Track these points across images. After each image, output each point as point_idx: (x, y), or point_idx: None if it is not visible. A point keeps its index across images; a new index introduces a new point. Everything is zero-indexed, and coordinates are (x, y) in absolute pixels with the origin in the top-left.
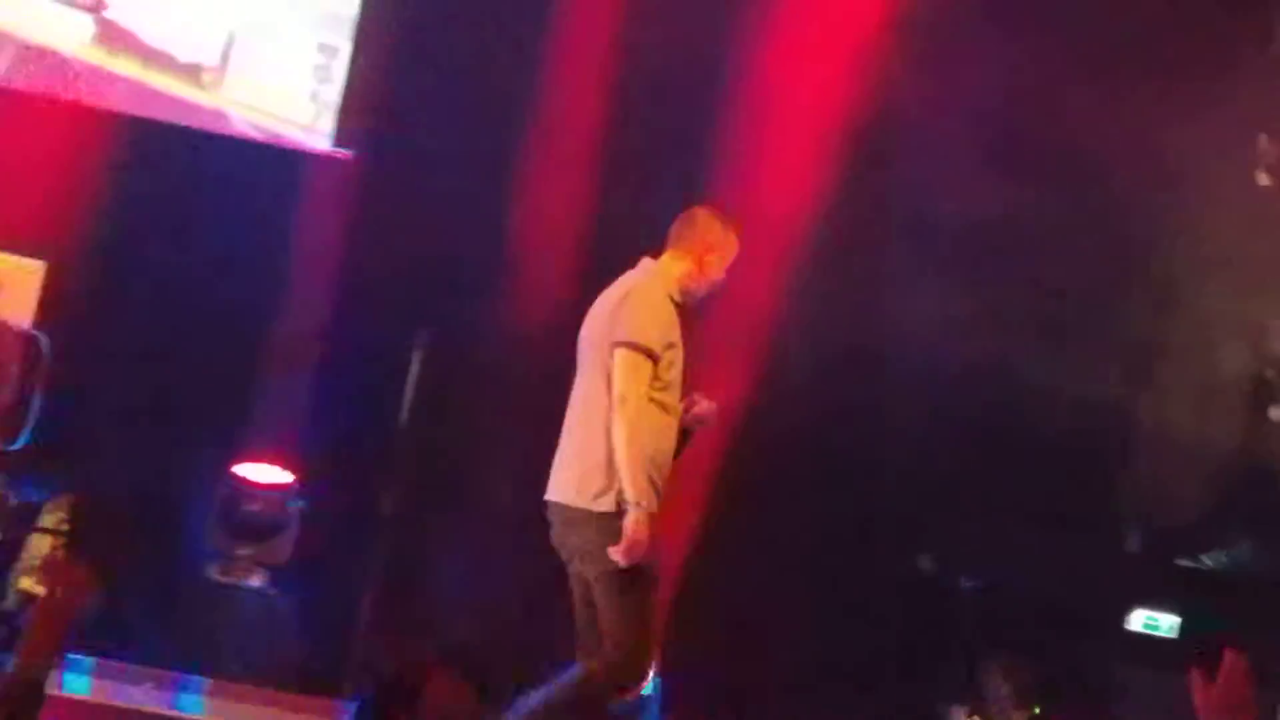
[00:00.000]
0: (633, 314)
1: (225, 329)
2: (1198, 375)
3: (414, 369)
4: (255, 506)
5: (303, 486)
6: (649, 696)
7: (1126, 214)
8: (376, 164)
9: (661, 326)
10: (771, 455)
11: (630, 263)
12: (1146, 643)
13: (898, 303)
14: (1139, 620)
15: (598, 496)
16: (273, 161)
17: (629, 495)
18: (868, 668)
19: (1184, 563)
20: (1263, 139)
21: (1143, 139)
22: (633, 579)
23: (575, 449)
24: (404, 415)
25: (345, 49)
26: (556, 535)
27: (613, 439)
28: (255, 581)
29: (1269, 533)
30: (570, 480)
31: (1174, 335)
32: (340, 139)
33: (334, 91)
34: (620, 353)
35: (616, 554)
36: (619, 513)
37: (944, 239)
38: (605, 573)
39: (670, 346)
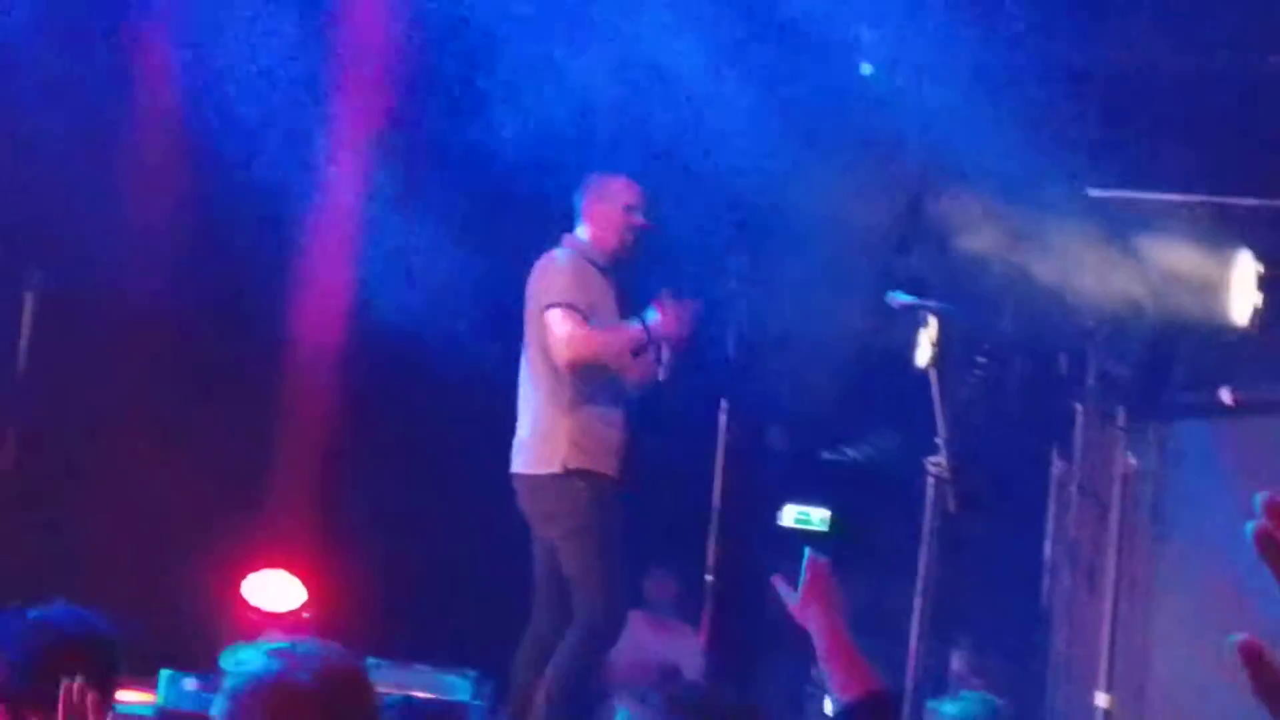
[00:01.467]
0: (550, 279)
1: None
2: (821, 270)
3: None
4: None
5: None
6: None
7: None
8: None
9: (580, 286)
10: None
11: None
12: (800, 537)
13: None
14: (791, 516)
15: (547, 459)
16: None
17: (637, 334)
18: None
19: (829, 456)
20: None
21: None
22: (596, 538)
23: (524, 421)
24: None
25: None
26: (521, 504)
27: (575, 370)
28: None
29: (906, 419)
30: (521, 450)
31: (794, 231)
32: None
33: None
34: (549, 314)
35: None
36: (566, 473)
37: None
38: (568, 532)
39: (594, 306)
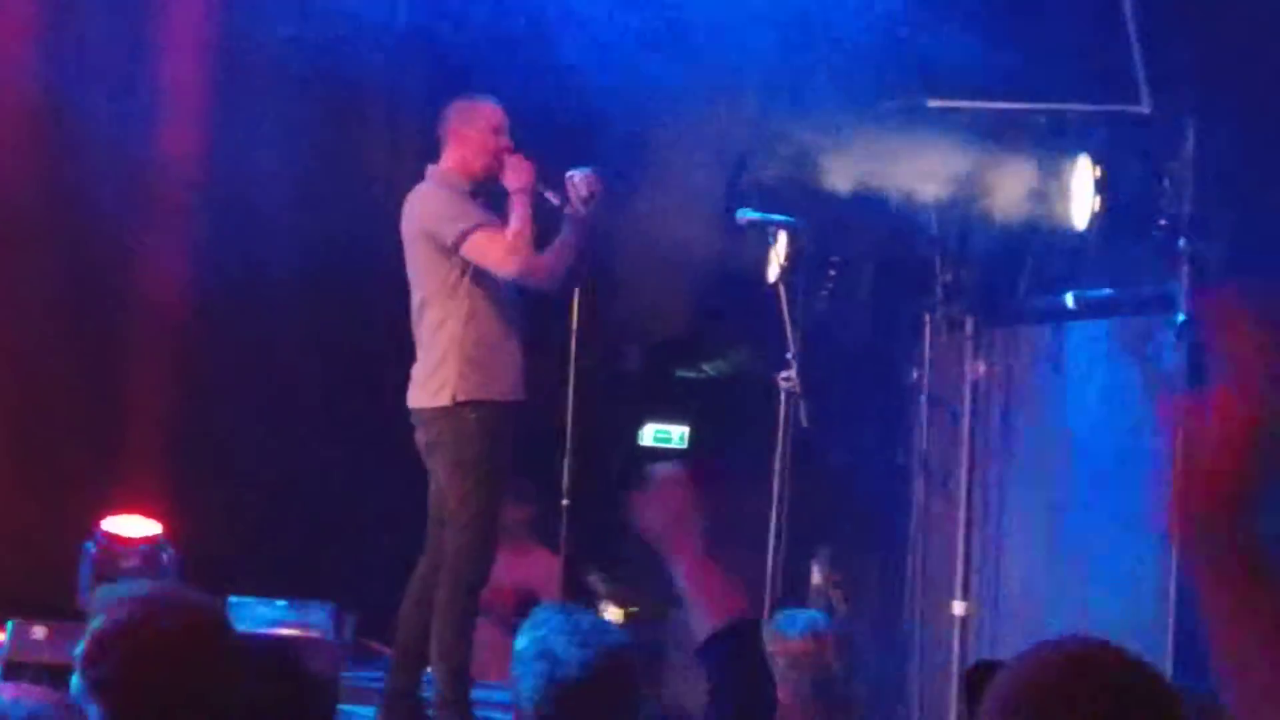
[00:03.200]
0: (438, 208)
1: None
2: (669, 186)
3: None
4: None
5: None
6: None
7: None
8: None
9: (470, 204)
10: None
11: None
12: (661, 455)
13: None
14: (650, 434)
15: (437, 392)
16: None
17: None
18: None
19: (685, 374)
20: None
21: None
22: (481, 471)
23: (419, 357)
24: None
25: None
26: (418, 438)
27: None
28: None
29: (757, 333)
30: (415, 384)
31: (644, 152)
32: None
33: None
34: (469, 242)
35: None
36: (456, 405)
37: None
38: (452, 463)
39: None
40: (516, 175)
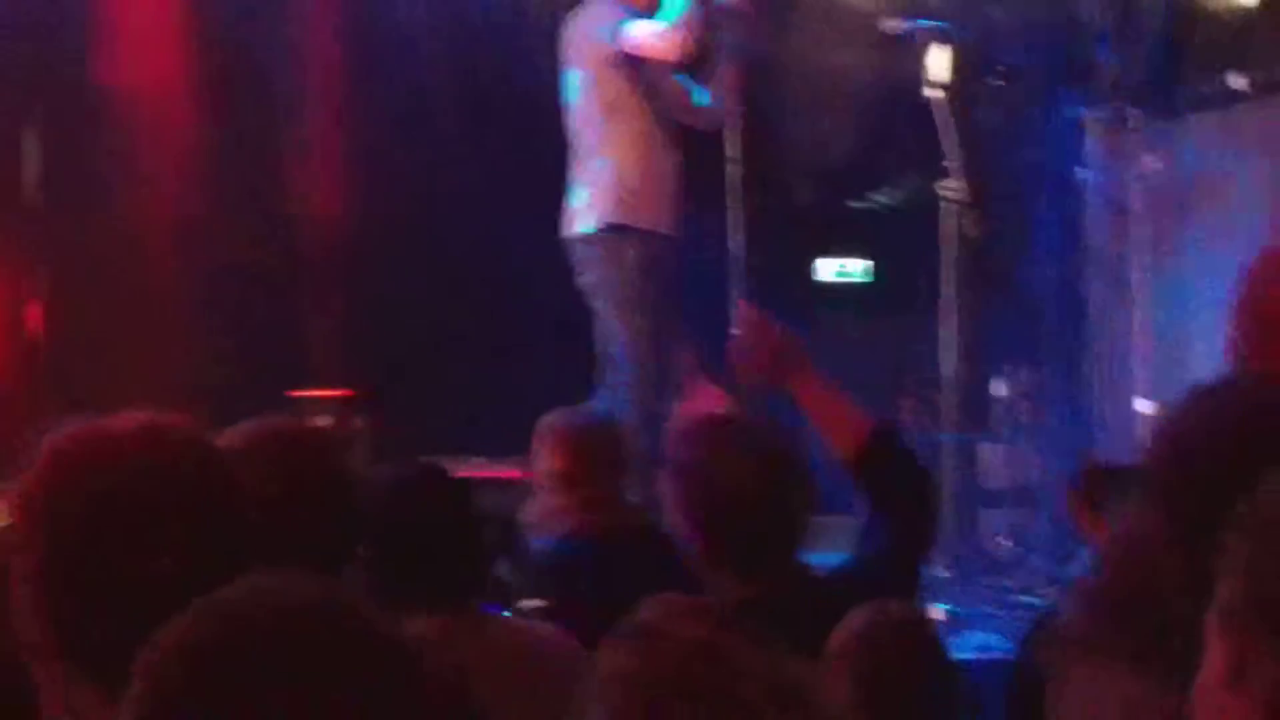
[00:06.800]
0: (598, 11)
1: None
2: (823, 13)
3: None
4: None
5: None
6: None
7: None
8: None
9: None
10: None
11: None
12: (844, 291)
13: None
14: (830, 270)
15: (589, 218)
16: None
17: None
18: None
19: (857, 204)
20: None
21: None
22: (644, 306)
23: (571, 188)
24: None
25: None
26: (578, 280)
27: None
28: None
29: (924, 157)
30: (569, 213)
31: None
32: None
33: None
34: (625, 32)
35: None
36: (608, 230)
37: None
38: (612, 301)
39: None
40: None
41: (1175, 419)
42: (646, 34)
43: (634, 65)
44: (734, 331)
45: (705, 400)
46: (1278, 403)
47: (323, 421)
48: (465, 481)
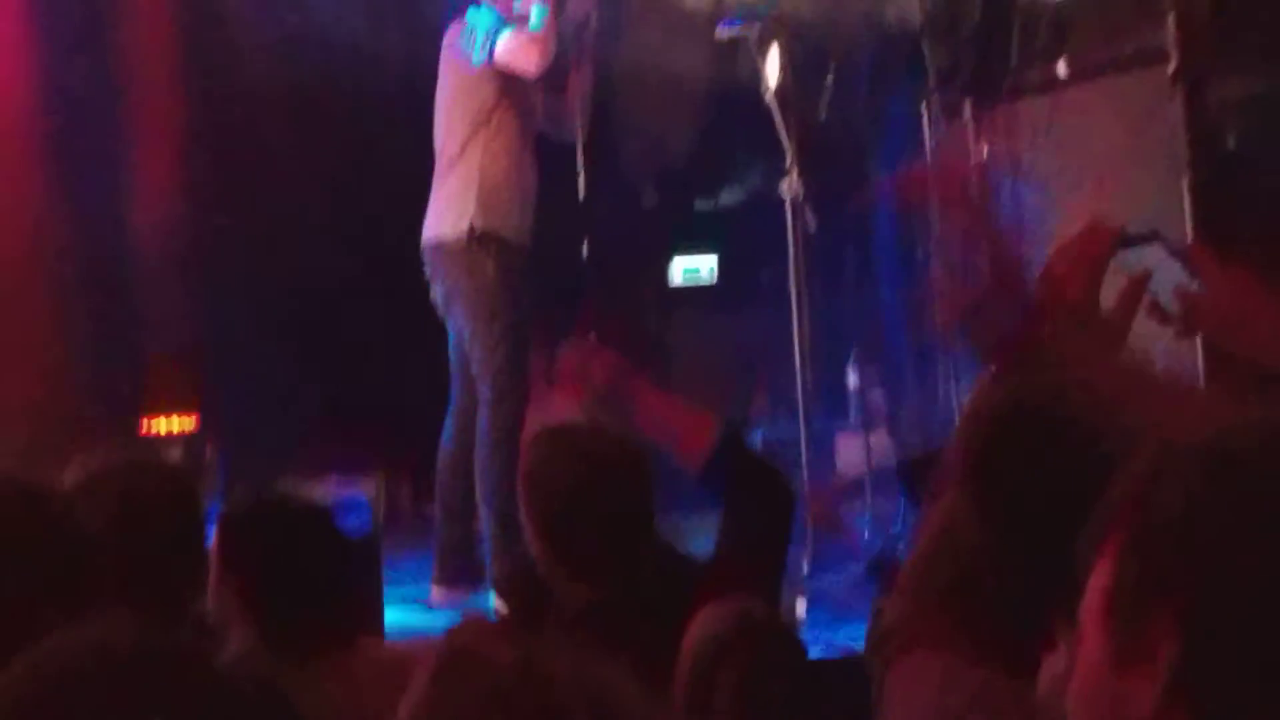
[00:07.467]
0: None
1: None
2: (651, 8)
3: None
4: None
5: None
6: None
7: None
8: None
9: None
10: None
11: None
12: (692, 293)
13: None
14: (679, 273)
15: (455, 222)
16: None
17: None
18: None
19: (703, 203)
20: None
21: None
22: (506, 318)
23: (435, 191)
24: None
25: None
26: (434, 291)
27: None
28: None
29: (764, 151)
30: (431, 216)
31: None
32: None
33: None
34: (499, 43)
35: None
36: (472, 237)
37: None
38: (472, 314)
39: None
40: None
41: (975, 407)
42: (512, 45)
43: (502, 76)
44: (565, 348)
45: (554, 408)
46: (1064, 386)
47: (172, 452)
48: (323, 512)
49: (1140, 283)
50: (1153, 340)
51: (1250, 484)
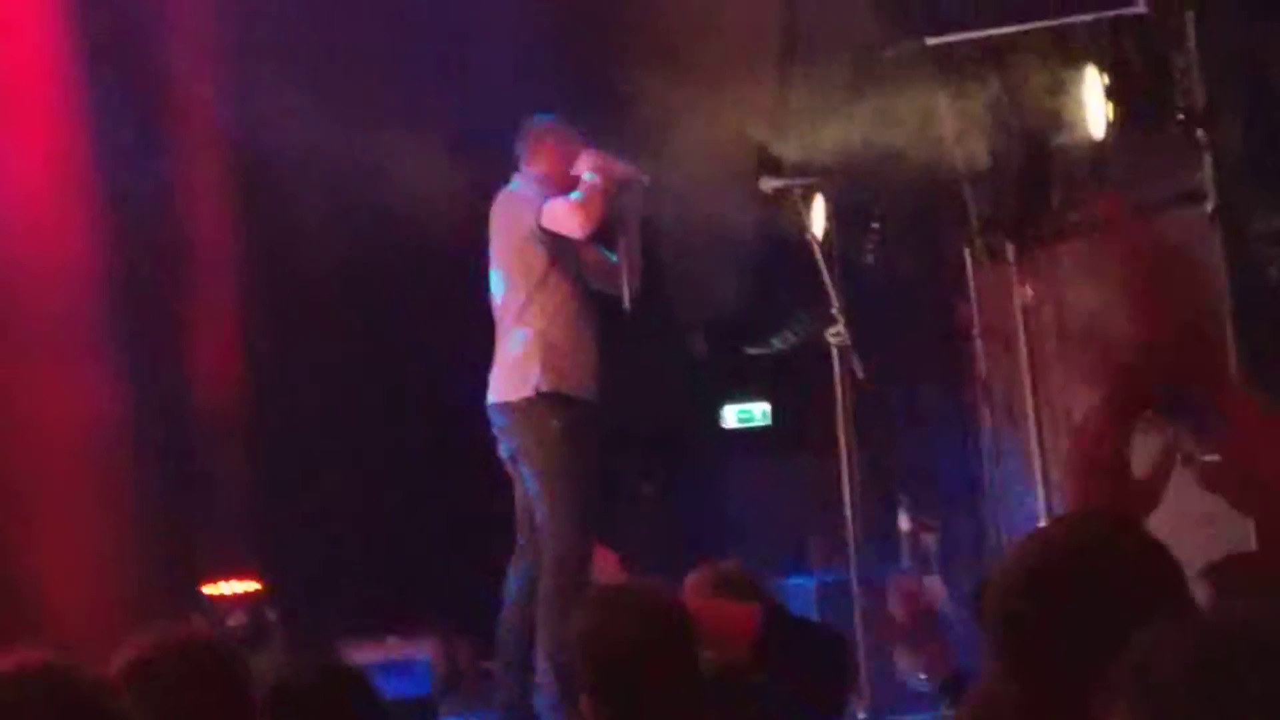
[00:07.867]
0: (523, 198)
1: None
2: (696, 165)
3: None
4: None
5: None
6: None
7: None
8: None
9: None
10: None
11: None
12: (747, 435)
13: None
14: (733, 417)
15: (520, 385)
16: None
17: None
18: None
19: (754, 350)
20: None
21: None
22: (572, 475)
23: (498, 355)
24: None
25: None
26: (501, 449)
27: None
28: None
29: (811, 295)
30: (496, 380)
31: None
32: None
33: None
34: (546, 210)
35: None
36: (538, 398)
37: None
38: (540, 472)
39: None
40: (588, 159)
41: (1000, 567)
42: (562, 208)
43: (554, 238)
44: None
45: (602, 567)
46: (1088, 548)
47: (235, 620)
48: (363, 679)
49: (1172, 451)
50: None
51: (1241, 670)
